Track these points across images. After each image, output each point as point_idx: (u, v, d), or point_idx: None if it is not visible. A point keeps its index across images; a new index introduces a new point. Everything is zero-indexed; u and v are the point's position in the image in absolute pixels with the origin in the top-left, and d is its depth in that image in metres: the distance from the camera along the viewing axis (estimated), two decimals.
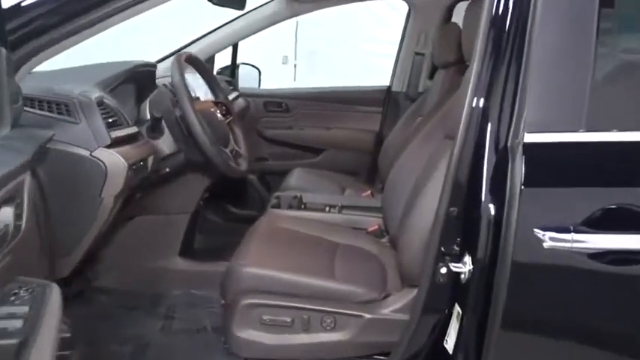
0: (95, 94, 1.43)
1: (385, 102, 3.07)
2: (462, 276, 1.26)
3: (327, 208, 2.21)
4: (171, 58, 1.86)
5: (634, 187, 1.17)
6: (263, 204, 2.58)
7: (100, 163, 1.34)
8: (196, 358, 1.81)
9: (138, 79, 1.79)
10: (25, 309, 0.97)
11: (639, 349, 1.22)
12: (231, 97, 2.77)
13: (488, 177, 1.23)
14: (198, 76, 2.09)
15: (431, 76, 2.96)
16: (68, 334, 1.29)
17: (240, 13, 2.61)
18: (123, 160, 1.37)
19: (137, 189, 1.75)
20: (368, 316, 1.54)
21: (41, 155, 1.17)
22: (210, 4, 1.63)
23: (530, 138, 1.19)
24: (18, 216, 1.02)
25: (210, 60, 2.97)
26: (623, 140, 1.19)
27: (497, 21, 1.23)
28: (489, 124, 1.25)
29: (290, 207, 2.21)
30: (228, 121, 1.90)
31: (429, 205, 1.44)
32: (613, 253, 1.14)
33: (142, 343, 1.89)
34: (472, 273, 1.24)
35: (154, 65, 1.76)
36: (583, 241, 1.13)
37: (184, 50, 2.60)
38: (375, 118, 3.07)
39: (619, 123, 1.19)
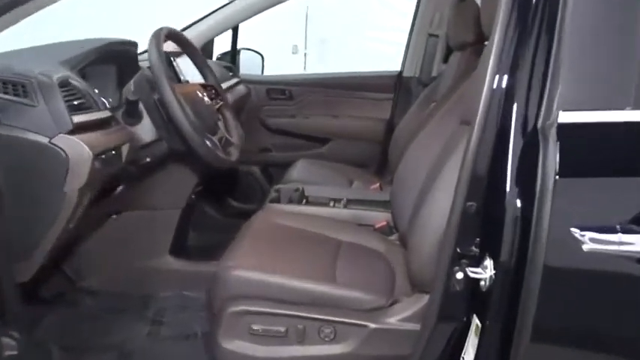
0: (58, 73, 1.25)
1: (396, 88, 2.86)
2: (482, 283, 1.06)
3: (332, 203, 2.02)
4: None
5: None
6: (265, 197, 2.39)
7: (61, 151, 1.16)
8: None
9: (118, 60, 1.60)
10: None
11: None
12: (230, 83, 2.59)
13: (514, 166, 1.03)
14: (189, 60, 1.90)
15: (445, 60, 2.74)
16: (15, 352, 1.11)
17: None
18: (87, 149, 1.18)
19: (115, 181, 1.57)
20: (373, 325, 1.34)
21: None
22: None
23: (565, 117, 0.99)
24: None
25: (209, 45, 2.79)
26: None
27: None
28: (515, 104, 1.05)
29: (290, 201, 2.02)
30: (218, 106, 1.71)
31: (443, 200, 1.25)
32: None
33: (125, 350, 1.72)
34: (494, 279, 1.04)
35: (133, 44, 1.58)
36: (632, 243, 0.93)
37: None
38: (385, 106, 2.86)
39: None
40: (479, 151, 1.10)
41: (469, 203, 1.11)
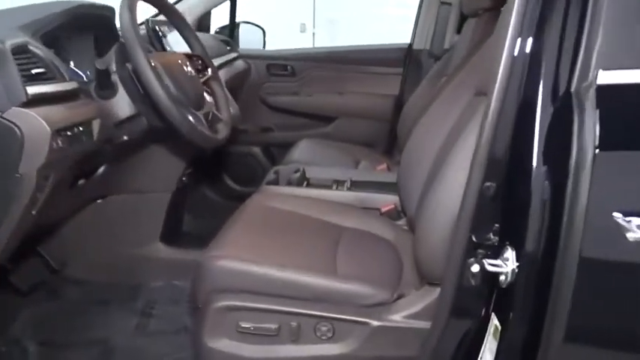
0: (14, 38, 1.09)
1: (406, 62, 2.67)
2: (502, 277, 0.90)
3: (335, 185, 1.86)
4: None
5: None
6: None
7: (14, 127, 1.00)
8: None
9: (94, 28, 1.44)
10: None
11: None
12: (227, 58, 2.42)
13: (542, 138, 0.87)
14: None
15: (458, 30, 2.54)
16: None
17: None
18: (44, 124, 1.03)
19: (92, 162, 1.41)
20: (375, 323, 1.19)
21: None
22: None
23: (606, 78, 0.81)
24: None
25: (206, 18, 2.62)
26: None
27: None
28: (542, 68, 0.88)
29: (289, 183, 1.86)
30: (205, 78, 1.54)
31: (456, 180, 1.09)
32: None
33: (110, 346, 1.58)
34: (517, 273, 0.88)
35: (108, 9, 1.41)
36: None
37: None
38: (394, 81, 2.67)
39: None
40: (498, 122, 0.93)
41: (487, 184, 0.94)
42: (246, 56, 2.67)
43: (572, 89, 0.83)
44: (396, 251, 1.49)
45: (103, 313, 1.74)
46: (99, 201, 1.81)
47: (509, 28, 0.91)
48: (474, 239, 0.97)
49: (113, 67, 1.35)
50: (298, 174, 1.92)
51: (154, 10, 1.84)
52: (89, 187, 1.58)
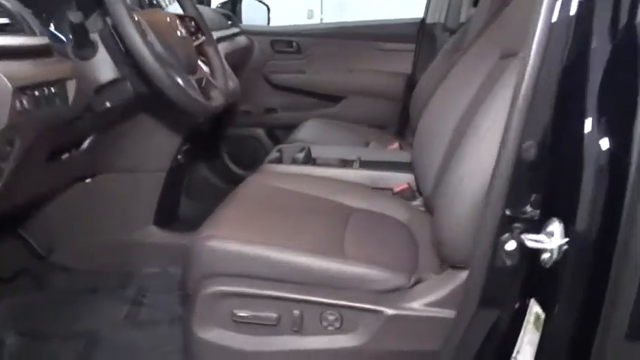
0: None
1: (419, 37, 2.50)
2: (545, 255, 0.74)
3: (343, 165, 1.70)
4: None
5: None
6: None
7: None
8: None
9: None
10: None
11: None
12: (228, 32, 2.27)
13: (596, 83, 0.70)
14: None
15: (475, 3, 2.37)
16: None
17: None
18: (4, 79, 0.88)
19: (72, 131, 1.27)
20: (390, 311, 1.03)
21: None
22: None
23: None
24: None
25: None
26: None
27: None
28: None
29: (294, 162, 1.71)
30: (199, 42, 1.39)
31: (483, 149, 0.94)
32: None
33: (96, 337, 1.44)
34: (565, 251, 0.72)
35: None
36: None
37: None
38: (406, 58, 2.51)
39: None
40: (539, 74, 0.77)
41: (527, 143, 0.79)
42: (249, 32, 2.52)
43: (638, 20, 0.67)
44: (411, 233, 1.33)
45: (91, 302, 1.60)
46: (87, 180, 1.67)
47: None
48: (507, 213, 0.82)
49: (76, 17, 1.18)
50: (303, 153, 1.77)
51: None
52: (74, 162, 1.43)
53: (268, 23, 2.78)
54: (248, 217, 1.23)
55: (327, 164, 1.69)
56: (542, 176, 0.80)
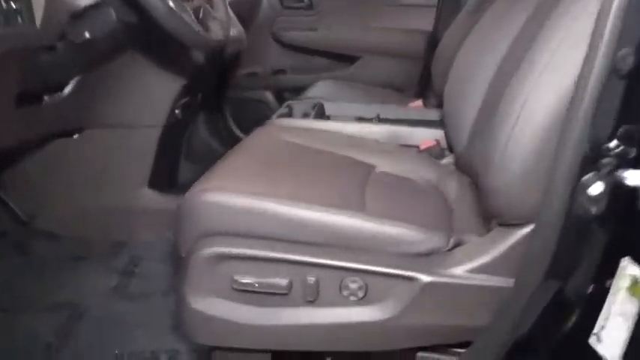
0: None
1: None
2: None
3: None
4: None
5: None
6: None
7: None
8: (145, 340, 1.17)
9: None
10: None
11: None
12: None
13: None
14: None
15: None
16: None
17: None
18: None
19: (47, 69, 1.08)
20: (426, 278, 0.84)
21: None
22: None
23: None
24: None
25: None
26: None
27: None
28: None
29: (305, 116, 1.52)
30: None
31: (542, 84, 0.78)
32: None
33: (79, 311, 1.27)
34: None
35: None
36: None
37: None
38: (427, 14, 2.28)
39: None
40: None
41: (623, 51, 0.59)
42: None
43: None
44: (441, 194, 1.14)
45: (76, 271, 1.43)
46: (75, 136, 1.48)
47: None
48: (591, 148, 0.63)
49: None
50: (316, 109, 1.57)
51: None
52: (54, 111, 1.25)
53: None
54: (253, 170, 1.04)
55: (343, 119, 1.50)
56: None
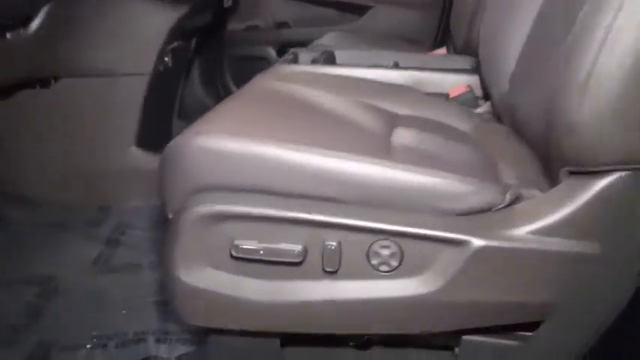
0: None
1: None
2: None
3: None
4: None
5: None
6: None
7: None
8: (129, 320, 0.99)
9: None
10: None
11: None
12: None
13: None
14: None
15: None
16: None
17: None
18: None
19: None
20: (478, 242, 0.65)
21: None
22: None
23: None
24: None
25: None
26: None
27: None
28: None
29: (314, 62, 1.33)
30: None
31: None
32: None
33: (52, 286, 1.09)
34: None
35: None
36: None
37: None
38: None
39: None
40: None
41: None
42: None
43: None
44: (480, 144, 0.95)
45: (54, 240, 1.25)
46: (53, 83, 1.28)
47: None
48: None
49: None
50: (325, 55, 1.38)
51: None
52: (21, 48, 1.05)
53: None
54: (255, 114, 0.85)
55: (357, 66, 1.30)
56: None
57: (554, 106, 0.68)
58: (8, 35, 1.01)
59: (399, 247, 0.67)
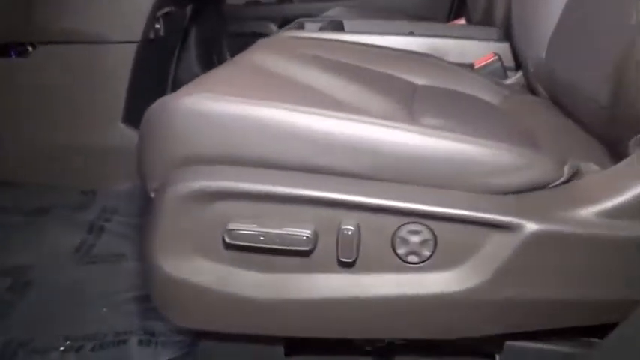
0: None
1: None
2: None
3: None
4: None
5: None
6: None
7: None
8: (110, 318, 0.86)
9: None
10: None
11: None
12: None
13: None
14: None
15: None
16: None
17: None
18: None
19: None
20: (532, 226, 0.52)
21: None
22: None
23: None
24: None
25: None
26: None
27: None
28: None
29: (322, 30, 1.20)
30: None
31: None
32: None
33: (26, 278, 0.96)
34: None
35: None
36: None
37: None
38: None
39: None
40: None
41: None
42: None
43: None
44: (514, 117, 0.82)
45: (31, 227, 1.12)
46: (31, 51, 1.15)
47: None
48: None
49: None
50: (333, 24, 1.25)
51: None
52: None
53: None
54: (255, 78, 0.72)
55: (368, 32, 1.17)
56: None
57: (623, 69, 0.54)
58: None
59: (432, 233, 0.54)
